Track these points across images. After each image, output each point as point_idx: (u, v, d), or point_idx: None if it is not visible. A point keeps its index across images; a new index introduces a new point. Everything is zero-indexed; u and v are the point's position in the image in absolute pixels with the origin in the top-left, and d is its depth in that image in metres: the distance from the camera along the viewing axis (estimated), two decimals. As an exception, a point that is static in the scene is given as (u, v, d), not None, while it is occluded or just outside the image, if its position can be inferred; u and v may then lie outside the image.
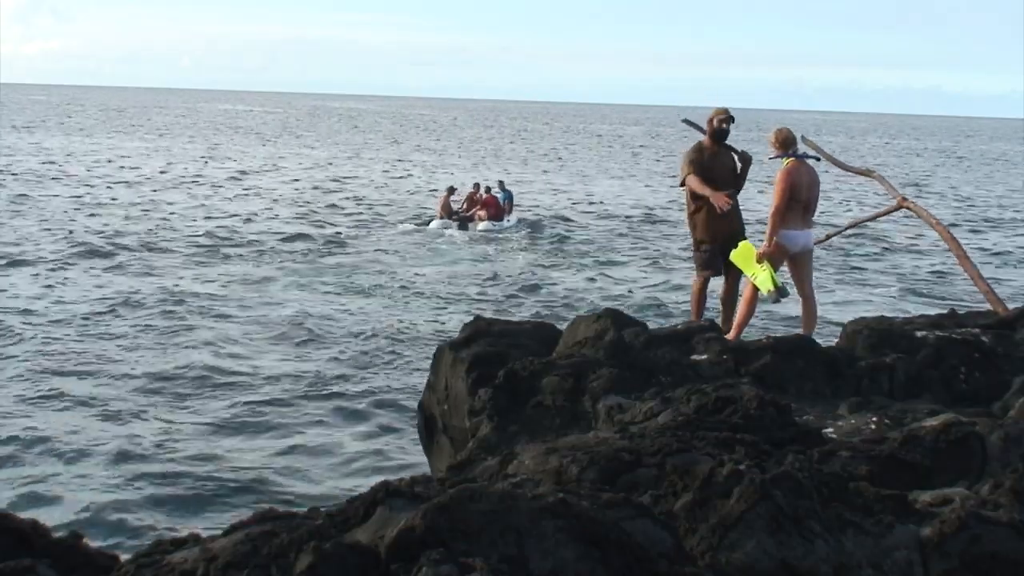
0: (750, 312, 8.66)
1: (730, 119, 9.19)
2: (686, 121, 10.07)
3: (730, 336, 8.38)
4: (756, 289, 8.56)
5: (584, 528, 3.51)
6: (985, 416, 6.05)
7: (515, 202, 32.10)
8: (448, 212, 29.95)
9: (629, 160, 67.83)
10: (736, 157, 9.24)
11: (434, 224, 29.71)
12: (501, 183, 32.37)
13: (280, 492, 10.39)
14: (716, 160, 9.13)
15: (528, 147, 79.29)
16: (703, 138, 9.23)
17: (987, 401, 6.94)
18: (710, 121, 9.21)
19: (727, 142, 9.26)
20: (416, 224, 30.55)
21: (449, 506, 3.48)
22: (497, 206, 30.09)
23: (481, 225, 29.15)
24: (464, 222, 29.25)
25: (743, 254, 8.63)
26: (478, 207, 30.00)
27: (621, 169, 58.59)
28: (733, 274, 9.14)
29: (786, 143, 8.56)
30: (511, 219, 30.40)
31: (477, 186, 31.54)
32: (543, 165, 59.20)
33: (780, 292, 8.39)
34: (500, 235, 28.72)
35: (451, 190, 31.26)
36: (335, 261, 24.05)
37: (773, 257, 8.49)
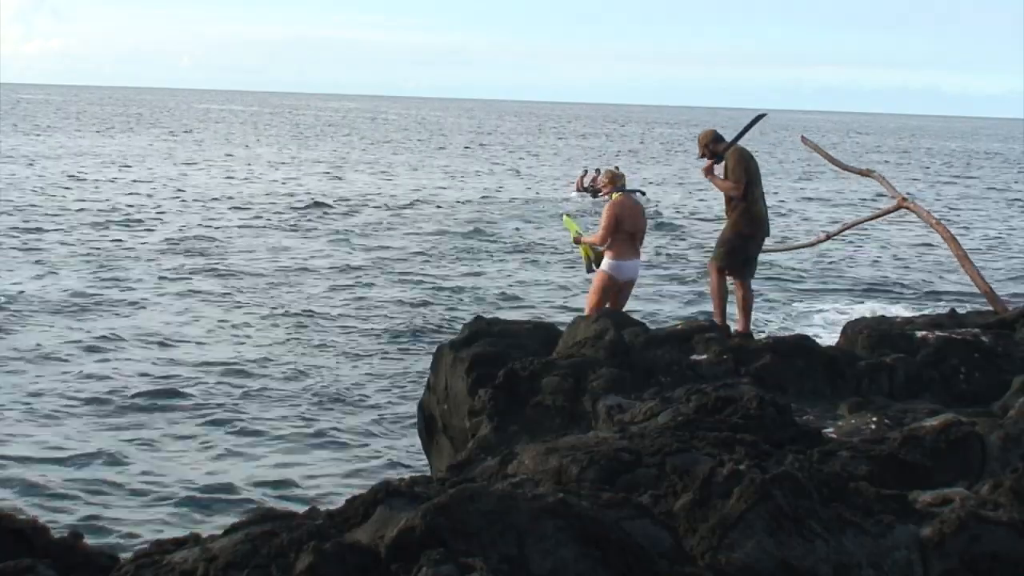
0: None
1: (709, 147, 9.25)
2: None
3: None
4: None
5: (584, 528, 3.51)
6: (985, 416, 6.05)
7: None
8: (582, 187, 39.35)
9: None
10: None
11: (573, 195, 39.41)
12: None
13: (280, 492, 10.38)
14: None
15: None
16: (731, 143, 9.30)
17: (987, 401, 6.93)
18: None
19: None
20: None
21: (449, 506, 3.48)
22: None
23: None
24: (595, 193, 36.16)
25: (569, 223, 10.21)
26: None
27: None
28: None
29: (614, 180, 9.57)
30: None
31: (598, 170, 38.16)
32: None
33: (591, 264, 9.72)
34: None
35: (585, 172, 40.93)
36: (339, 256, 24.06)
37: (603, 288, 9.35)
